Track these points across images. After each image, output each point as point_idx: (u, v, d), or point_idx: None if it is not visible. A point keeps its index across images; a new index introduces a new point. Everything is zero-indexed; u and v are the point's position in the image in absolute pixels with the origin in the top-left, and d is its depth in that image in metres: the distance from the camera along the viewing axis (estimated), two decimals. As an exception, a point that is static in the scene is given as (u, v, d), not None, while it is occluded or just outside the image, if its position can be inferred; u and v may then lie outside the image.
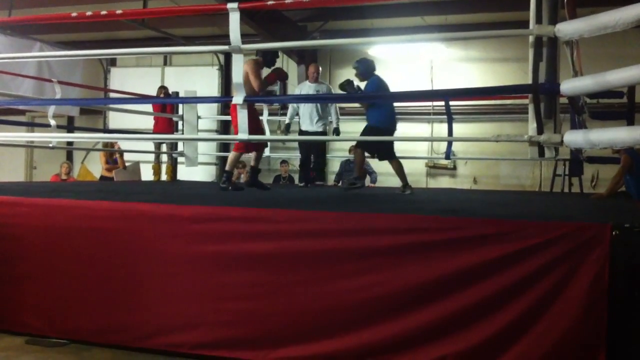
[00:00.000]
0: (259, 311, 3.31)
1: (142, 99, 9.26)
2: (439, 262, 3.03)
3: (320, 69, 7.99)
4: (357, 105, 11.74)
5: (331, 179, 11.66)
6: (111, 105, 10.38)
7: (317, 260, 3.23)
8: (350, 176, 10.50)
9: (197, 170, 10.17)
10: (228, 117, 11.70)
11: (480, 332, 2.93)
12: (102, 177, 11.06)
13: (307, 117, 7.80)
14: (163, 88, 10.32)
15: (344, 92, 6.48)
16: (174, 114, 9.39)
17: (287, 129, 8.18)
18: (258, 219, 3.40)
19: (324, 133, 7.96)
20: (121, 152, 10.76)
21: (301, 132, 7.90)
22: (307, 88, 7.91)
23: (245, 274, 3.36)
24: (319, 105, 7.78)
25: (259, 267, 3.33)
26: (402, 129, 11.03)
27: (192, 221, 3.50)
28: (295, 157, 12.01)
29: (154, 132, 9.67)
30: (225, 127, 13.01)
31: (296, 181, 11.81)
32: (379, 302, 3.11)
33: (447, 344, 2.98)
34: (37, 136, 9.11)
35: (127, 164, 10.96)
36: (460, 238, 3.01)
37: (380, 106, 6.29)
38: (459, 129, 9.05)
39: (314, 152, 8.31)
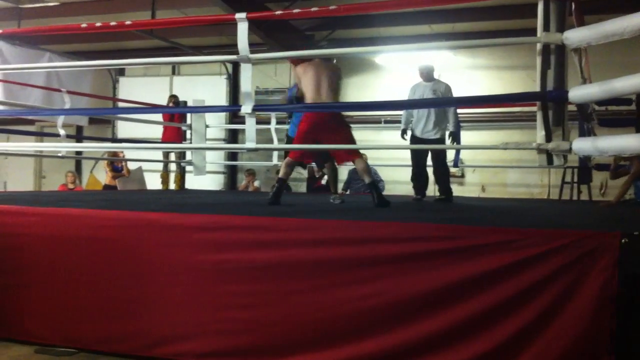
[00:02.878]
0: (262, 320, 3.31)
1: (150, 108, 9.29)
2: (443, 271, 3.01)
3: (430, 67, 6.88)
4: (363, 113, 11.80)
5: (339, 187, 11.66)
6: (120, 115, 10.43)
7: (319, 269, 3.23)
8: (357, 185, 10.54)
9: (205, 179, 10.20)
10: (236, 126, 11.77)
11: (486, 341, 2.91)
12: (106, 186, 11.09)
13: (421, 122, 6.70)
14: (173, 97, 10.36)
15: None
16: (182, 123, 9.42)
17: (402, 135, 6.91)
18: (261, 228, 3.40)
19: (441, 141, 6.78)
20: (125, 160, 10.82)
21: (414, 139, 6.75)
22: (423, 88, 6.77)
23: (248, 282, 3.36)
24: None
25: (262, 275, 3.33)
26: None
27: (196, 230, 3.51)
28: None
29: (163, 141, 9.70)
30: (233, 136, 13.03)
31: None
32: (382, 311, 3.10)
33: (452, 354, 2.96)
34: (47, 146, 9.15)
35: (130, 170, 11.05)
36: (464, 246, 2.99)
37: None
38: (467, 136, 9.02)
39: (435, 163, 6.90)
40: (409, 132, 6.87)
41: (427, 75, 6.83)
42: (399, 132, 6.90)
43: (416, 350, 3.03)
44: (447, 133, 6.83)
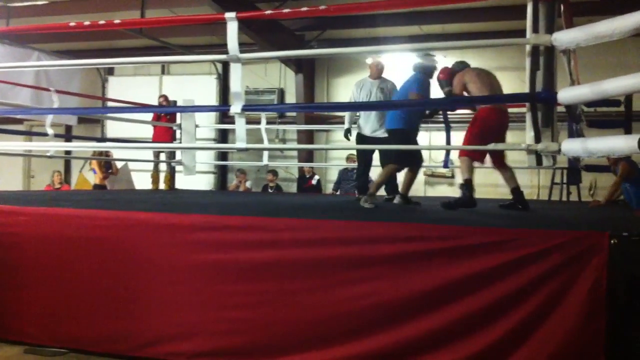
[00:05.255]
0: (258, 320, 3.31)
1: (139, 107, 9.26)
2: (438, 271, 3.03)
3: (383, 64, 6.76)
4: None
5: (329, 187, 11.66)
6: (109, 114, 10.38)
7: (316, 268, 3.23)
8: (348, 185, 10.54)
9: (195, 179, 10.18)
10: (226, 126, 11.75)
11: (480, 340, 2.93)
12: (96, 186, 11.05)
13: (368, 120, 6.56)
14: (163, 96, 10.33)
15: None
16: (173, 122, 9.37)
17: (346, 135, 6.86)
18: (257, 228, 3.40)
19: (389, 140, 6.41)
20: (114, 160, 10.80)
21: (361, 138, 6.63)
22: (370, 85, 6.61)
23: (244, 282, 3.36)
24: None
25: (258, 275, 3.33)
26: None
27: (191, 230, 3.50)
28: (293, 165, 12.05)
29: (153, 141, 9.66)
30: (223, 136, 13.01)
31: (284, 190, 11.79)
32: (379, 310, 3.11)
33: (447, 353, 2.98)
34: (35, 145, 9.12)
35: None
36: (459, 247, 3.01)
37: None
38: (457, 137, 9.05)
39: (383, 163, 6.56)
40: (354, 132, 6.80)
41: (379, 71, 6.71)
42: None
43: (413, 350, 3.05)
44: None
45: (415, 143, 5.63)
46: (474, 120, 5.23)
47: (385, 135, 6.46)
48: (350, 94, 6.76)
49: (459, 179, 5.23)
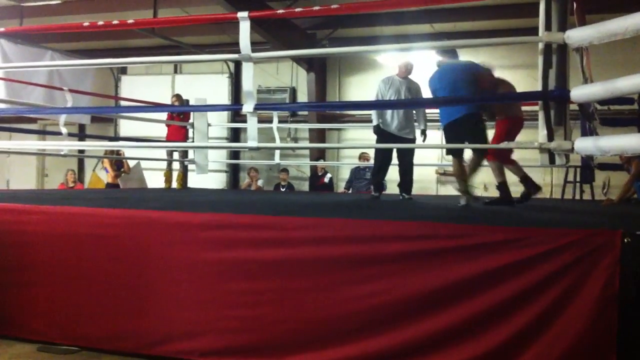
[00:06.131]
0: (267, 318, 3.31)
1: (152, 107, 9.29)
2: (448, 269, 3.01)
3: (412, 64, 6.79)
4: (363, 112, 11.79)
5: (341, 186, 11.66)
6: (122, 113, 10.43)
7: (325, 267, 3.23)
8: (360, 184, 10.53)
9: (208, 178, 10.21)
10: (238, 125, 11.77)
11: (490, 339, 2.91)
12: (109, 185, 11.12)
13: (394, 118, 6.47)
14: (176, 96, 10.37)
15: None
16: (187, 121, 9.40)
17: (376, 131, 6.61)
18: (266, 226, 3.40)
19: (414, 140, 6.57)
20: (126, 159, 10.85)
21: (387, 136, 6.48)
22: (399, 84, 6.56)
23: (254, 281, 3.36)
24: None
25: (267, 274, 3.33)
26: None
27: (201, 228, 3.51)
28: (305, 164, 12.05)
29: (167, 140, 9.70)
30: (235, 135, 13.04)
31: (296, 188, 11.80)
32: (387, 309, 3.10)
33: (456, 352, 2.96)
34: (49, 144, 9.16)
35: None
36: (469, 245, 2.99)
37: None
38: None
39: (403, 162, 6.66)
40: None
41: (407, 71, 6.71)
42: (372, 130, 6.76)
43: (421, 348, 3.03)
44: (419, 131, 6.64)
45: (482, 129, 5.62)
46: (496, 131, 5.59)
47: (411, 136, 6.54)
48: (377, 89, 6.67)
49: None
